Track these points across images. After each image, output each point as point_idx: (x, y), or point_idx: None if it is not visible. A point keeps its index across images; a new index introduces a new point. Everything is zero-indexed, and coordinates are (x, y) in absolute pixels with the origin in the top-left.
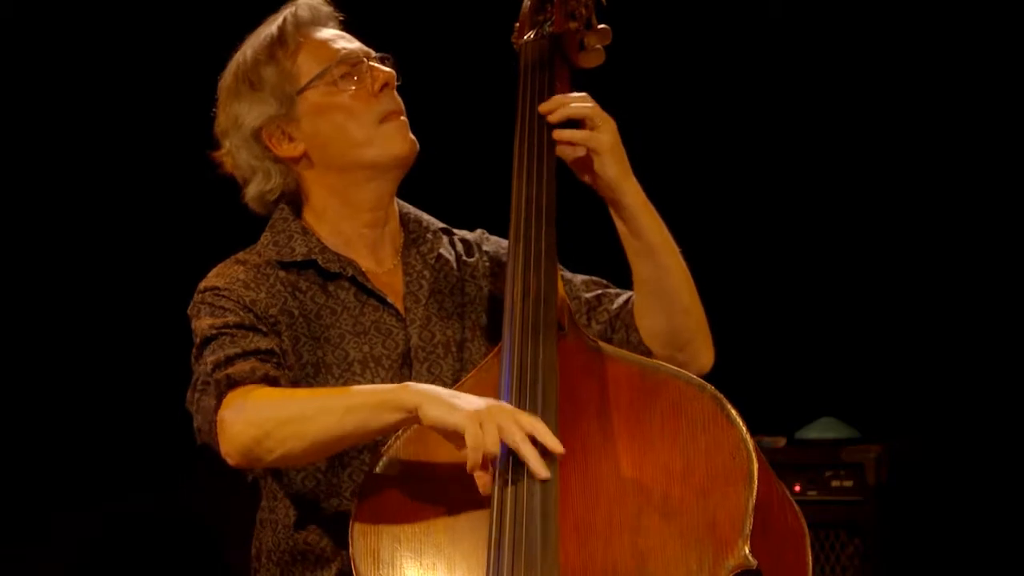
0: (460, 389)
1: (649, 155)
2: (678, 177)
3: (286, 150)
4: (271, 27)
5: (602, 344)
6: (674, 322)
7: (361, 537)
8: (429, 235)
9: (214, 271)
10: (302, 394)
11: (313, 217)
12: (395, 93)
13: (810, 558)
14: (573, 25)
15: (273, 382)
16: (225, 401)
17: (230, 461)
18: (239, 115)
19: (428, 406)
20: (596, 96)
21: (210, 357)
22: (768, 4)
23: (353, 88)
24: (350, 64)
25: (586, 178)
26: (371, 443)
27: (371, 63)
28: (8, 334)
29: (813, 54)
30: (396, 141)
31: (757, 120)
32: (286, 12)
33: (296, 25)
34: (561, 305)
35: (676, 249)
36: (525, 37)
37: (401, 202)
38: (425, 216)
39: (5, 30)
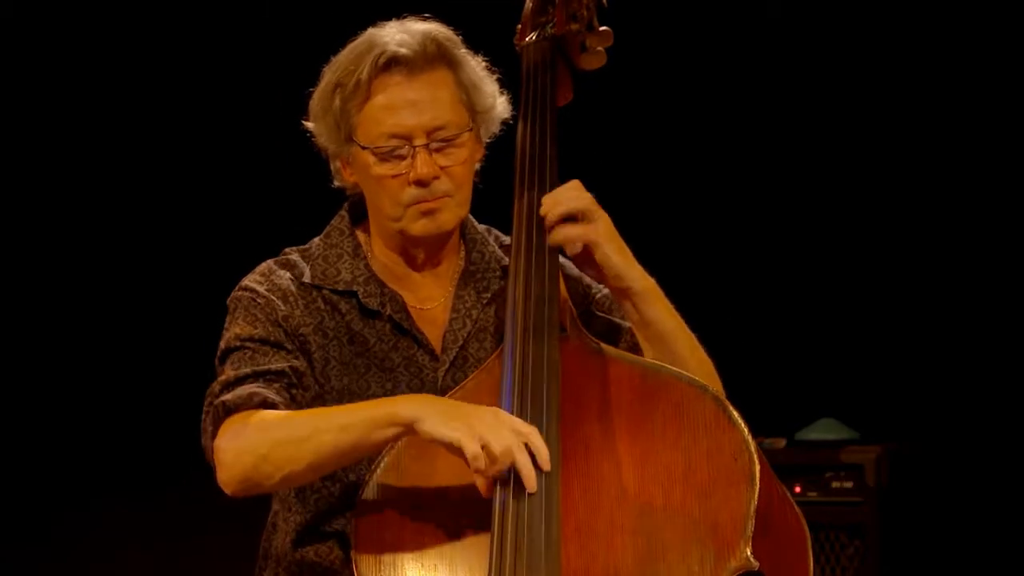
0: (462, 391)
1: (650, 155)
2: (678, 177)
3: (345, 175)
4: (366, 54)
5: (604, 346)
6: None
7: (363, 538)
8: (490, 270)
9: (264, 267)
10: (297, 415)
11: (369, 233)
12: (437, 182)
13: (811, 559)
14: (575, 27)
15: (272, 407)
16: (221, 429)
17: (227, 491)
18: (316, 120)
19: (424, 421)
20: (597, 96)
21: (222, 376)
22: (767, 4)
23: (389, 170)
24: (393, 146)
25: (591, 272)
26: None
27: (419, 149)
28: (8, 335)
29: (812, 54)
30: (418, 225)
31: (757, 120)
32: (384, 45)
33: (382, 68)
34: (563, 306)
35: (691, 338)
36: (527, 39)
37: (475, 227)
38: (492, 247)
39: (6, 29)
